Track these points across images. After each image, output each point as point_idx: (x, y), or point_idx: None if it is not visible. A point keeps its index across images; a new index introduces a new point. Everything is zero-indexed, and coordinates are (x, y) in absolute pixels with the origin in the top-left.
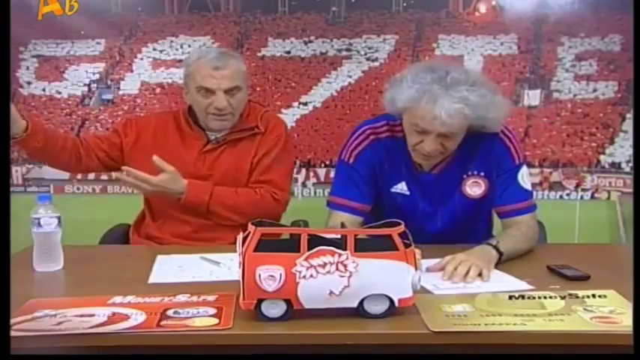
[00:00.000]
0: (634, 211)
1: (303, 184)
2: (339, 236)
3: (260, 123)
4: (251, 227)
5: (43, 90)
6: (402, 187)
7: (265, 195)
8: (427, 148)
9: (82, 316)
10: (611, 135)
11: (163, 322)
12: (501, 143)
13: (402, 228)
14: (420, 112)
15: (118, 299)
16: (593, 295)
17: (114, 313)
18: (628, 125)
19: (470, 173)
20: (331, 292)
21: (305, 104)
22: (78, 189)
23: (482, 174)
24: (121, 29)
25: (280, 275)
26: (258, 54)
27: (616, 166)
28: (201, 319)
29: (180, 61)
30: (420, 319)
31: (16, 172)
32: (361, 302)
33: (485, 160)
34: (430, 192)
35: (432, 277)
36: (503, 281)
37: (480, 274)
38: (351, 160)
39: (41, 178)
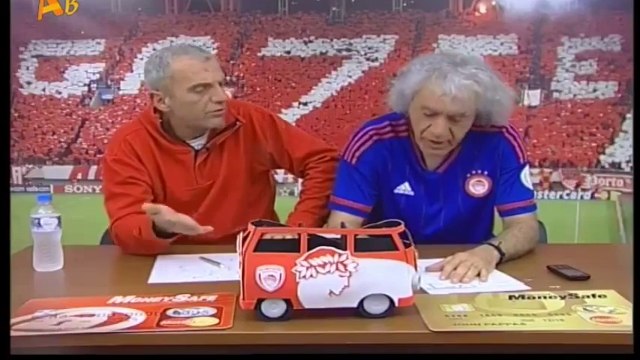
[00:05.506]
0: (634, 211)
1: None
2: (339, 236)
3: (237, 115)
4: (251, 227)
5: (43, 90)
6: (405, 188)
7: (329, 171)
8: (435, 130)
9: (82, 316)
10: (611, 135)
11: (163, 322)
12: (506, 142)
13: (402, 228)
14: (430, 90)
15: (118, 299)
16: (593, 295)
17: (114, 313)
18: (628, 125)
19: (474, 172)
20: (331, 292)
21: (305, 104)
22: (78, 189)
23: (485, 173)
24: (121, 29)
25: (280, 275)
26: (258, 54)
27: (616, 166)
28: (201, 319)
29: None
30: (420, 319)
31: (16, 172)
32: (361, 302)
33: (489, 159)
34: (434, 191)
35: (428, 277)
36: (501, 282)
37: (478, 275)
38: (354, 161)
39: (41, 178)
